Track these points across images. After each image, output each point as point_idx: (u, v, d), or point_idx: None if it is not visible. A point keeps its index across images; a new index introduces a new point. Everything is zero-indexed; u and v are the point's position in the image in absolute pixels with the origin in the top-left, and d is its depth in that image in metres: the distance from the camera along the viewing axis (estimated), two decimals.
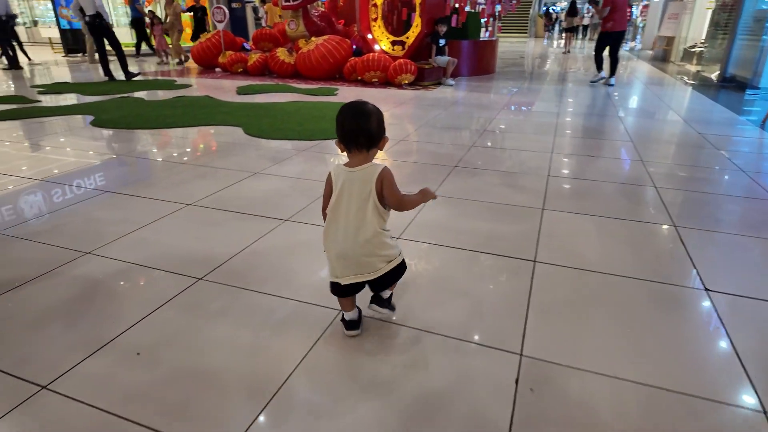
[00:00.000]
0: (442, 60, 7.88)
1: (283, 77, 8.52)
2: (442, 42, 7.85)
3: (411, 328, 1.60)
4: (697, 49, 11.38)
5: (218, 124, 4.76)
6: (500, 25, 12.83)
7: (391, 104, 6.05)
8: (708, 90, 7.52)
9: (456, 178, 3.17)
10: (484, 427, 1.21)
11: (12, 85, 7.60)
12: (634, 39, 22.42)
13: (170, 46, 11.23)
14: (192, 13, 11.85)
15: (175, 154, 3.74)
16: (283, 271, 1.96)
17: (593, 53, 8.17)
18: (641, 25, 21.51)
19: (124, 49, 7.99)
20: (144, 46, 12.60)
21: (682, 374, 1.40)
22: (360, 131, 1.37)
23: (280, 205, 2.66)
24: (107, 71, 7.92)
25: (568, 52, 15.87)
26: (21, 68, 9.79)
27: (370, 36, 8.41)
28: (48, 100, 6.18)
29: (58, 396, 1.31)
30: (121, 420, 1.23)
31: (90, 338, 1.54)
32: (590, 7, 12.17)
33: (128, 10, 13.16)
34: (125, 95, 6.56)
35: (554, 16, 28.00)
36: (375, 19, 8.43)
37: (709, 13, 10.84)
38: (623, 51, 17.44)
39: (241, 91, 6.96)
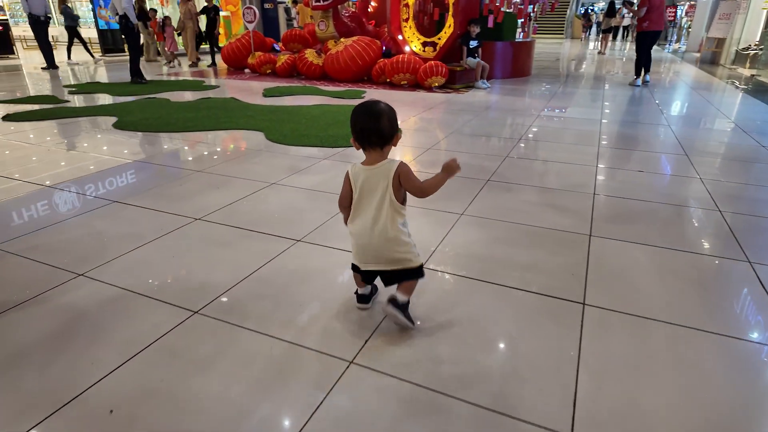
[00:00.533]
0: (473, 62, 7.55)
1: (310, 79, 8.36)
2: (473, 43, 7.51)
3: (434, 392, 1.32)
4: (751, 52, 10.61)
5: (240, 129, 4.60)
6: (536, 26, 12.32)
7: (420, 108, 5.77)
8: (764, 96, 6.92)
9: (489, 194, 2.86)
10: None
11: (46, 85, 7.70)
12: (678, 40, 21.38)
13: (183, 47, 10.97)
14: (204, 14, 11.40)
15: (191, 161, 3.58)
16: (290, 306, 1.72)
17: (635, 55, 7.80)
18: (686, 25, 20.47)
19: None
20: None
21: None
22: (372, 130, 1.44)
23: (294, 222, 2.43)
24: (137, 72, 7.92)
25: (604, 53, 15.46)
26: (57, 68, 9.98)
27: (400, 37, 8.14)
28: (76, 101, 6.19)
29: None
30: None
31: (60, 387, 1.33)
32: (625, 9, 11.65)
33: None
34: (152, 96, 6.52)
35: (593, 16, 27.04)
36: (406, 20, 8.16)
37: (765, 13, 10.09)
38: (666, 53, 16.61)
39: (268, 93, 6.82)
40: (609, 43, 17.04)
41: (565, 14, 27.35)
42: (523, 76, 9.03)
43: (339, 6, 8.84)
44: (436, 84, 7.21)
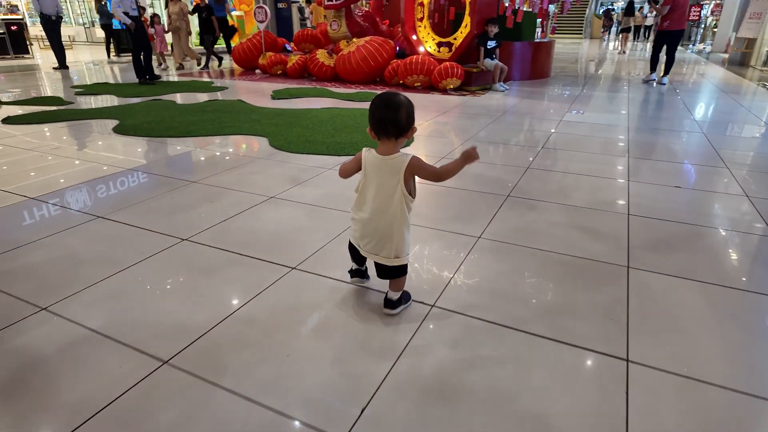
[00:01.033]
0: (490, 63, 7.23)
1: (321, 80, 8.12)
2: (491, 44, 7.19)
3: None
4: None
5: (243, 134, 4.36)
6: (554, 25, 11.93)
7: (434, 112, 5.48)
8: None
9: (509, 212, 2.57)
10: None
11: (54, 86, 7.59)
12: (703, 41, 20.69)
13: (178, 49, 10.25)
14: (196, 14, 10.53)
15: (186, 170, 3.35)
16: (276, 359, 1.45)
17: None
18: (711, 24, 19.79)
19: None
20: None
21: None
22: (389, 121, 1.46)
23: (291, 245, 2.17)
24: (149, 72, 7.76)
25: (624, 53, 15.20)
26: (67, 68, 9.91)
27: (414, 37, 7.85)
28: (81, 102, 6.03)
29: None
30: None
31: None
32: (648, 7, 11.37)
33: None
34: (158, 98, 6.34)
35: (614, 15, 26.41)
36: (421, 19, 7.87)
37: None
38: (689, 54, 16.03)
39: (277, 95, 6.59)
40: (629, 43, 16.73)
41: (584, 14, 26.75)
42: (542, 77, 8.67)
43: (352, 5, 8.59)
44: (451, 86, 6.91)
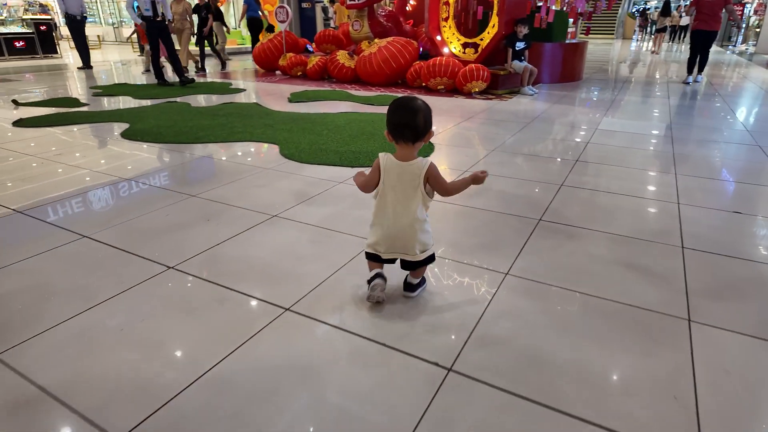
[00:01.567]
0: (519, 66, 6.84)
1: (341, 82, 7.87)
2: (520, 45, 6.80)
3: None
4: None
5: (254, 140, 4.13)
6: (588, 26, 11.41)
7: (458, 117, 5.15)
8: None
9: (542, 241, 2.24)
10: None
11: (74, 86, 7.55)
12: (745, 41, 19.66)
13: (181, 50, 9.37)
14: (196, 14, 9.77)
15: (187, 181, 3.12)
16: None
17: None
18: (755, 24, 18.77)
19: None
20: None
21: None
22: (407, 126, 1.48)
23: (288, 278, 1.90)
24: (158, 75, 7.61)
25: (657, 53, 14.89)
26: (91, 68, 9.93)
27: (438, 37, 7.52)
28: (96, 104, 5.93)
29: None
30: None
31: None
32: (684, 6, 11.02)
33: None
34: (173, 100, 6.19)
35: (650, 15, 25.47)
36: (446, 19, 7.52)
37: None
38: (729, 55, 15.20)
39: (294, 98, 6.36)
40: (663, 43, 16.20)
41: (617, 13, 25.85)
42: (573, 80, 8.21)
43: (375, 5, 8.31)
44: (476, 89, 6.56)
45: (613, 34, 25.89)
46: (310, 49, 10.13)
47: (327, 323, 1.61)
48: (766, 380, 1.37)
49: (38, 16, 13.41)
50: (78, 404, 1.27)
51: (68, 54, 13.36)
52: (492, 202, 2.70)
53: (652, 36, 18.05)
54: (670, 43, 21.03)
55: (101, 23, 20.05)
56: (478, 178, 1.57)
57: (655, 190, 2.94)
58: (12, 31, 12.72)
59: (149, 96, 6.49)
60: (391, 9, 9.87)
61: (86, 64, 9.91)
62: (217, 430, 1.19)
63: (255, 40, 11.30)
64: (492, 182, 3.04)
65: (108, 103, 6.01)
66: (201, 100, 6.26)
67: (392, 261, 1.69)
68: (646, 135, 4.44)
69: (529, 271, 1.96)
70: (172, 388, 1.32)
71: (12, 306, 1.72)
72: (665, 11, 15.91)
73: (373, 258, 1.68)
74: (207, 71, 9.71)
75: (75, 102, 5.98)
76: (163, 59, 8.00)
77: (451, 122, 4.92)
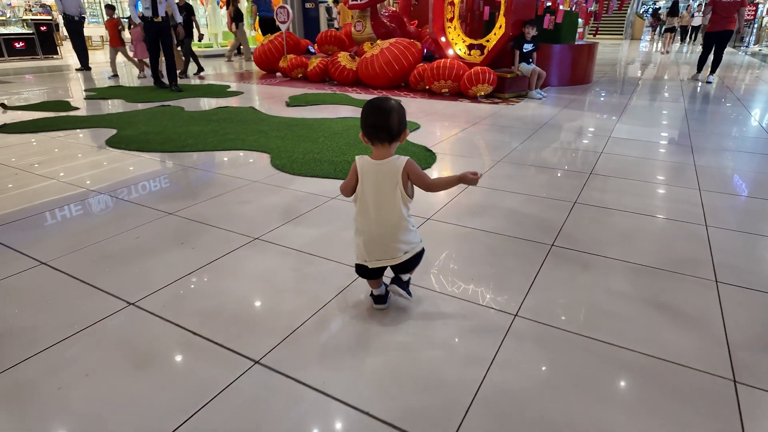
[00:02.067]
0: (527, 68, 6.56)
1: (343, 85, 7.62)
2: (528, 47, 6.52)
3: None
4: None
5: (245, 149, 3.89)
6: (597, 26, 11.11)
7: (462, 123, 4.89)
8: None
9: (555, 273, 1.97)
10: None
11: (67, 88, 7.36)
12: (758, 42, 19.22)
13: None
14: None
15: (165, 197, 2.87)
16: None
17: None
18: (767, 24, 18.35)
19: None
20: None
21: None
22: (381, 127, 1.47)
23: (262, 319, 1.65)
24: (155, 79, 7.38)
25: (667, 52, 14.91)
26: (89, 69, 9.76)
27: (443, 38, 7.25)
28: (87, 108, 5.71)
29: None
30: None
31: None
32: (696, 6, 10.97)
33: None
34: (167, 104, 5.96)
35: (661, 15, 25.08)
36: (451, 20, 7.25)
37: None
38: (741, 56, 14.81)
39: (292, 102, 6.11)
40: (674, 44, 16.06)
41: (626, 14, 25.45)
42: (582, 83, 7.92)
43: (378, 5, 8.06)
44: (482, 93, 6.28)
45: (622, 34, 25.49)
46: (312, 50, 9.89)
47: (302, 383, 1.36)
48: None
49: (38, 17, 13.29)
50: None
51: (70, 55, 13.20)
52: (498, 223, 2.43)
53: (661, 36, 17.82)
54: (681, 43, 20.65)
55: (103, 24, 19.92)
56: (468, 179, 1.51)
57: (678, 209, 2.67)
58: (12, 32, 12.60)
59: (143, 99, 6.28)
60: (394, 9, 9.61)
61: (84, 66, 9.74)
62: None
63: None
64: (499, 198, 2.78)
65: (99, 107, 5.80)
66: (195, 104, 6.03)
67: (381, 271, 1.62)
68: (663, 144, 4.16)
69: (542, 311, 1.70)
70: None
71: None
72: (673, 11, 15.82)
73: (363, 271, 1.62)
74: (204, 70, 9.47)
75: (65, 106, 5.78)
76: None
77: (455, 128, 4.66)
